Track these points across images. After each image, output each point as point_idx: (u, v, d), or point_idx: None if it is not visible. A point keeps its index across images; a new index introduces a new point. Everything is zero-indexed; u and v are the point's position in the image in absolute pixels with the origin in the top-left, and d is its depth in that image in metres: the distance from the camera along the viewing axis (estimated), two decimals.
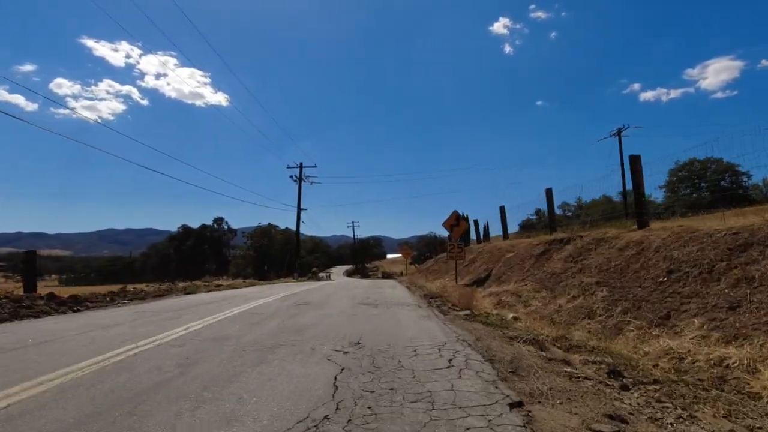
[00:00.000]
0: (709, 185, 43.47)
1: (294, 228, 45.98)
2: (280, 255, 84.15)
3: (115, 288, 15.25)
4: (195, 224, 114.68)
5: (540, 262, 10.86)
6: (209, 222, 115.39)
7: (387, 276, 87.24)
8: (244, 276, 69.05)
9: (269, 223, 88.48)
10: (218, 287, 18.64)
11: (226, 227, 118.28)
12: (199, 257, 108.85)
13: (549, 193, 15.15)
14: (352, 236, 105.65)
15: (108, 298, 11.38)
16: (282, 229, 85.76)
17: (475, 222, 31.04)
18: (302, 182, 43.23)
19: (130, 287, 16.26)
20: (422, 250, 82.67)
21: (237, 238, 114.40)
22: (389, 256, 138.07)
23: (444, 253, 27.42)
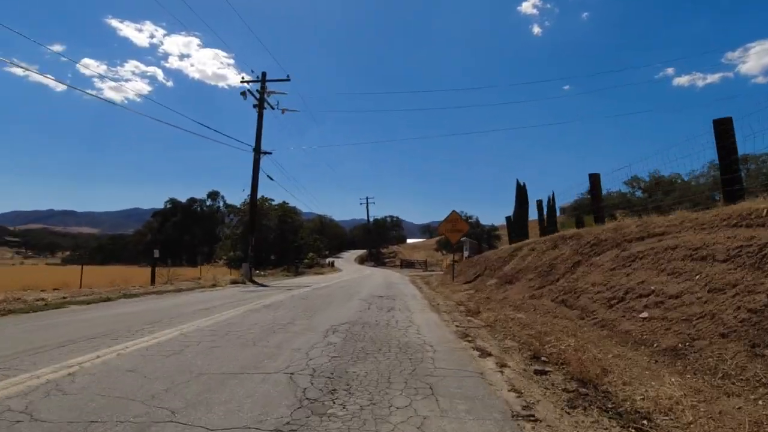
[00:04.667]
0: None
1: (316, 210, 28.06)
2: (278, 234, 66.96)
3: None
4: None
5: None
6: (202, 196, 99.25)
7: (407, 264, 69.36)
8: (229, 261, 52.04)
9: (263, 196, 70.68)
10: None
11: (221, 203, 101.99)
12: (188, 236, 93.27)
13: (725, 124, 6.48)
14: (366, 217, 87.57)
15: None
16: (277, 203, 67.57)
17: (538, 203, 19.05)
18: (265, 105, 25.25)
19: None
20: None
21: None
22: (409, 240, 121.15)
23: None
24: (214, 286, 17.13)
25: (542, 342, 5.13)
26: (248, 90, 24.41)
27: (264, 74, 25.59)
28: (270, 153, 25.76)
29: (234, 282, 19.51)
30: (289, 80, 26.00)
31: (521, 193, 25.26)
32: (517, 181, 25.05)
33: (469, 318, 7.54)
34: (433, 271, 41.33)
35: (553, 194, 22.44)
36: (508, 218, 24.31)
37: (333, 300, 10.36)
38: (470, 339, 5.53)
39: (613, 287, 5.88)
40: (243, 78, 25.47)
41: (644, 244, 6.08)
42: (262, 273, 30.10)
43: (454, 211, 16.54)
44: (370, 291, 13.48)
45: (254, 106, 25.26)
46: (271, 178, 27.33)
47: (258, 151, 24.97)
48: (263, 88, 25.13)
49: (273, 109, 26.09)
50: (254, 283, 20.42)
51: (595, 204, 10.11)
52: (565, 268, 7.98)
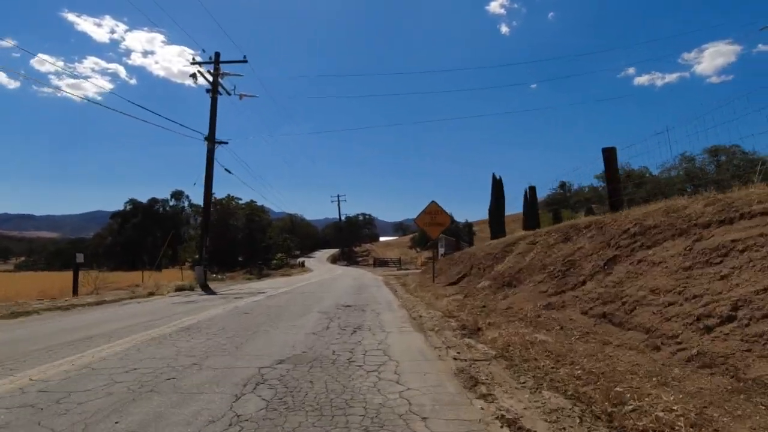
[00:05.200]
0: None
1: (287, 210, 25.02)
2: (246, 234, 63.28)
3: None
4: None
5: None
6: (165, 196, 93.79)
7: (381, 263, 66.90)
8: (193, 264, 48.20)
9: (228, 195, 66.86)
10: None
11: (186, 203, 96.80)
12: (150, 238, 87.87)
13: None
14: (338, 215, 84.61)
15: None
16: (245, 202, 63.77)
17: (532, 190, 19.69)
18: (218, 88, 22.59)
19: None
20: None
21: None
22: (382, 238, 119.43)
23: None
24: (151, 294, 14.43)
25: (611, 398, 2.95)
26: (198, 71, 21.60)
27: (217, 54, 22.79)
28: (226, 143, 22.96)
29: (180, 289, 16.77)
30: (246, 62, 23.24)
31: (497, 187, 23.56)
32: (493, 176, 23.37)
33: (467, 340, 5.33)
34: (408, 269, 39.25)
35: (533, 188, 20.82)
36: (490, 211, 22.54)
37: (283, 314, 7.97)
38: (485, 392, 3.29)
39: (697, 297, 3.77)
40: (194, 59, 22.63)
41: (740, 230, 4.02)
42: (219, 276, 27.31)
43: (433, 201, 14.33)
44: (336, 298, 11.14)
45: (207, 91, 22.57)
46: (229, 171, 24.61)
47: (212, 141, 22.14)
48: (216, 69, 22.32)
49: (229, 95, 23.39)
50: (206, 289, 17.72)
51: (611, 184, 8.15)
52: (592, 267, 5.89)
